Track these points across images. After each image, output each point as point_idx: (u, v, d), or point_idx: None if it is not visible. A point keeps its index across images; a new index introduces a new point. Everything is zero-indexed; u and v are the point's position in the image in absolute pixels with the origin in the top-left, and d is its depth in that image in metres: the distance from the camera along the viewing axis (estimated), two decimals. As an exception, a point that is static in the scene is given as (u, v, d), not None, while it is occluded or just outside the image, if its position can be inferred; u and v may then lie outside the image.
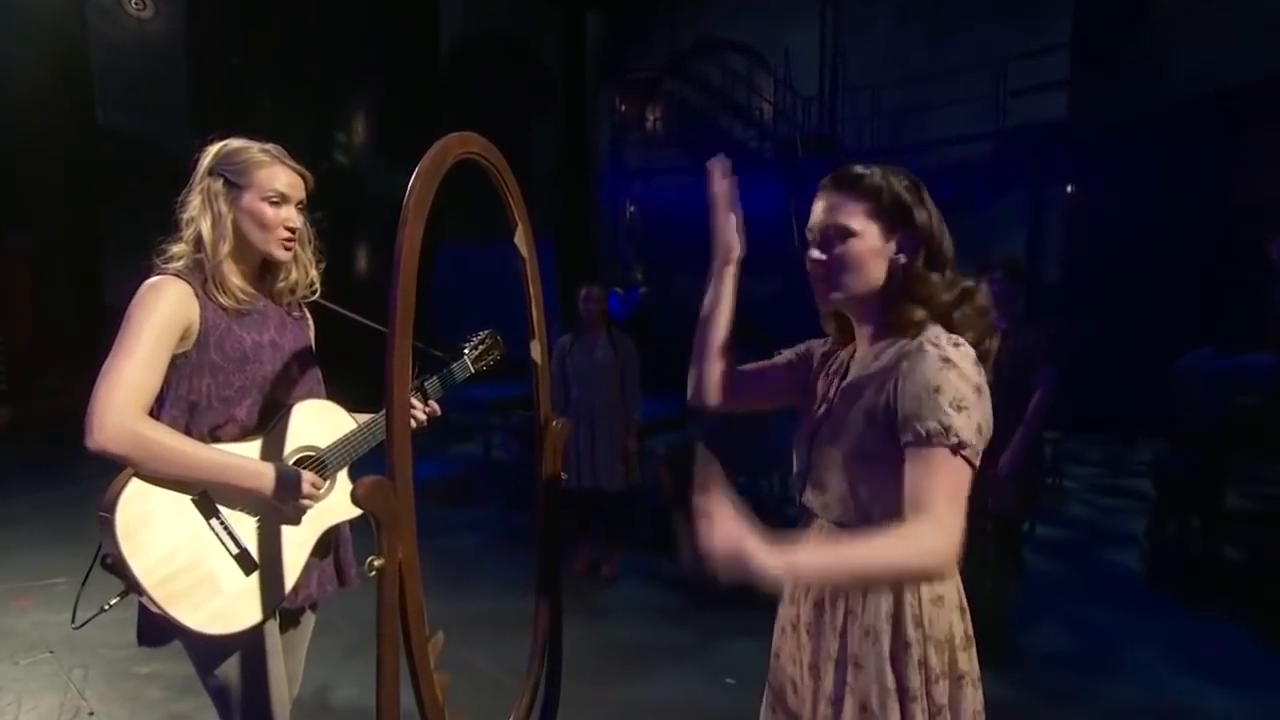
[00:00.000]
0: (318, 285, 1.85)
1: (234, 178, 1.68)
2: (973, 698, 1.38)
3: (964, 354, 1.30)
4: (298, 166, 1.76)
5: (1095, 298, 8.64)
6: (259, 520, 1.65)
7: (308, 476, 1.65)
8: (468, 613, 3.98)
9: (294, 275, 1.80)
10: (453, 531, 5.59)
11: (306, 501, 1.66)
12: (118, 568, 1.50)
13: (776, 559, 1.15)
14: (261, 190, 1.69)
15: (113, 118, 9.41)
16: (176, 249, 1.69)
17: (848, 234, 1.38)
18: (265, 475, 1.61)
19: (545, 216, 10.76)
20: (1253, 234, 6.02)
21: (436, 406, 1.91)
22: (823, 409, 1.47)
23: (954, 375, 1.27)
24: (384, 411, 1.83)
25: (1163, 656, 3.67)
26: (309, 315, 1.91)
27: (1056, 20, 9.46)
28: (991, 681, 1.50)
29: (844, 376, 1.47)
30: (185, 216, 1.69)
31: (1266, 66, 7.75)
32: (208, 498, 1.59)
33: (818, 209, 1.43)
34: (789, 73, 11.01)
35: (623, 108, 13.61)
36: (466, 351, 2.05)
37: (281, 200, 1.71)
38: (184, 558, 1.54)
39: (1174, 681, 3.45)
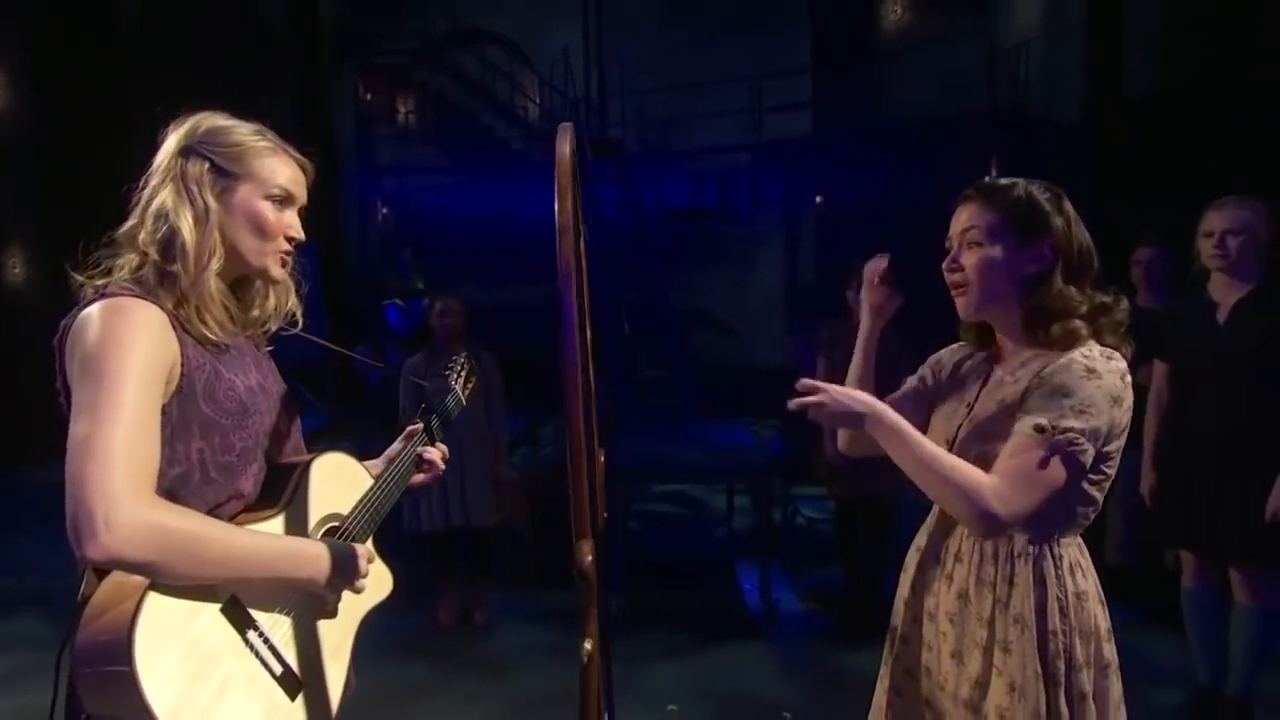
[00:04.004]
0: (299, 317, 1.45)
1: (225, 164, 1.27)
2: (1116, 686, 1.46)
3: (1112, 367, 1.36)
4: (300, 156, 1.37)
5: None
6: (294, 624, 1.27)
7: (362, 551, 1.33)
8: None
9: (272, 301, 1.41)
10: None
11: (363, 582, 1.32)
12: None
13: (875, 402, 1.41)
14: (263, 185, 1.29)
15: None
16: (123, 259, 1.24)
17: (978, 244, 1.44)
18: (322, 558, 1.25)
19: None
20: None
21: (446, 449, 1.66)
22: (964, 414, 1.52)
23: (1092, 384, 1.33)
24: (393, 456, 1.57)
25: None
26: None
27: (800, 44, 10.50)
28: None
29: (985, 382, 1.52)
30: (151, 211, 1.24)
31: (960, 104, 9.17)
32: (237, 603, 1.18)
33: (957, 218, 1.49)
34: (567, 71, 11.02)
35: (368, 95, 12.34)
36: (453, 381, 1.85)
37: (286, 200, 1.33)
38: (216, 691, 1.12)
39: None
